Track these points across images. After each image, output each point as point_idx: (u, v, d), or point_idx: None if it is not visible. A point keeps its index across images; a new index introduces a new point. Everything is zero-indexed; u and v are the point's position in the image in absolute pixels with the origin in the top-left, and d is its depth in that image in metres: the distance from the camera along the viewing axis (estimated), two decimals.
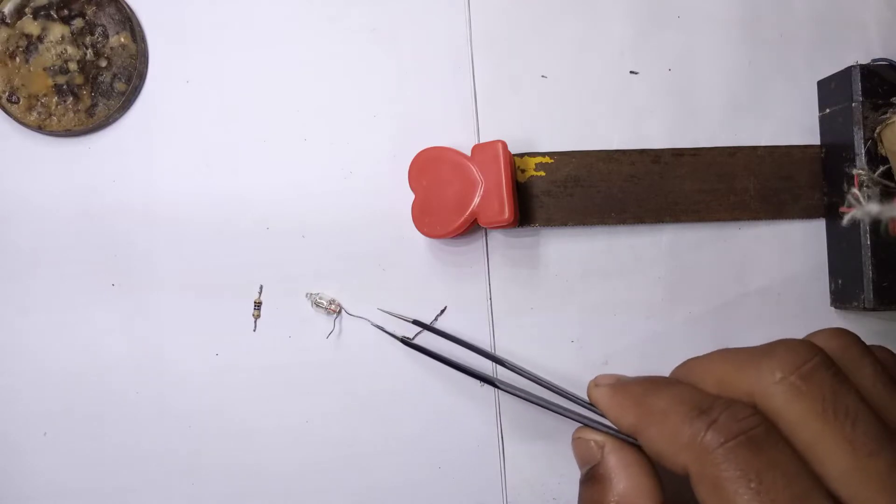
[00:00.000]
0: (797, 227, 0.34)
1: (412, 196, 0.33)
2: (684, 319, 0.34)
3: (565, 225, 0.34)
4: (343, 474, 0.34)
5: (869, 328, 0.34)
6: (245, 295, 0.34)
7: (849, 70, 0.32)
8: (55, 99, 0.34)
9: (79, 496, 0.34)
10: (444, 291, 0.34)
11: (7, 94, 0.33)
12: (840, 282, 0.33)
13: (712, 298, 0.34)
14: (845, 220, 0.31)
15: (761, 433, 0.21)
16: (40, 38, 0.34)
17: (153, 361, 0.34)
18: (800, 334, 0.35)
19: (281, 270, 0.34)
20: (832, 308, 0.34)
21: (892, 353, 0.26)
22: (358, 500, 0.34)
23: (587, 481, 0.27)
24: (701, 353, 0.34)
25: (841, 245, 0.33)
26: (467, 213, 0.32)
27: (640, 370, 0.34)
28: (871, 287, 0.31)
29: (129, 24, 0.34)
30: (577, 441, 0.28)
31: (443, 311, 0.34)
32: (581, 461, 0.27)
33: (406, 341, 0.32)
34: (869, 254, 0.31)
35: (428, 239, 0.34)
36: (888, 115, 0.31)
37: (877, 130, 0.31)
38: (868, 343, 0.33)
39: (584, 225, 0.34)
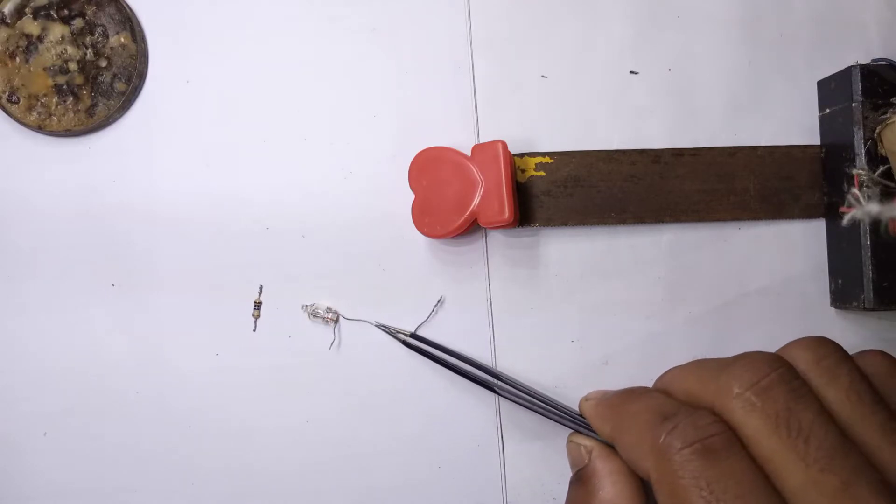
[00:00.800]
0: (797, 227, 0.34)
1: (412, 196, 0.33)
2: (684, 319, 0.34)
3: (565, 225, 0.34)
4: (343, 474, 0.34)
5: (869, 328, 0.34)
6: (245, 295, 0.34)
7: (849, 70, 0.32)
8: (55, 99, 0.34)
9: (79, 496, 0.34)
10: (444, 291, 0.34)
11: (7, 94, 0.33)
12: (840, 282, 0.33)
13: (712, 298, 0.34)
14: (845, 220, 0.31)
15: (720, 442, 0.21)
16: (40, 38, 0.34)
17: (153, 361, 0.34)
18: (800, 334, 0.35)
19: (281, 270, 0.34)
20: (832, 308, 0.34)
21: (884, 356, 0.25)
22: (358, 500, 0.34)
23: (575, 482, 0.27)
24: (700, 354, 0.35)
25: (841, 245, 0.33)
26: (467, 213, 0.32)
27: (640, 370, 0.34)
28: (871, 287, 0.31)
29: (129, 24, 0.34)
30: (569, 444, 0.29)
31: (439, 302, 0.34)
32: (571, 463, 0.28)
33: (408, 343, 0.33)
34: (869, 254, 0.31)
35: (428, 239, 0.34)
36: (888, 115, 0.31)
37: (877, 130, 0.31)
38: (867, 344, 0.33)
39: (584, 225, 0.34)
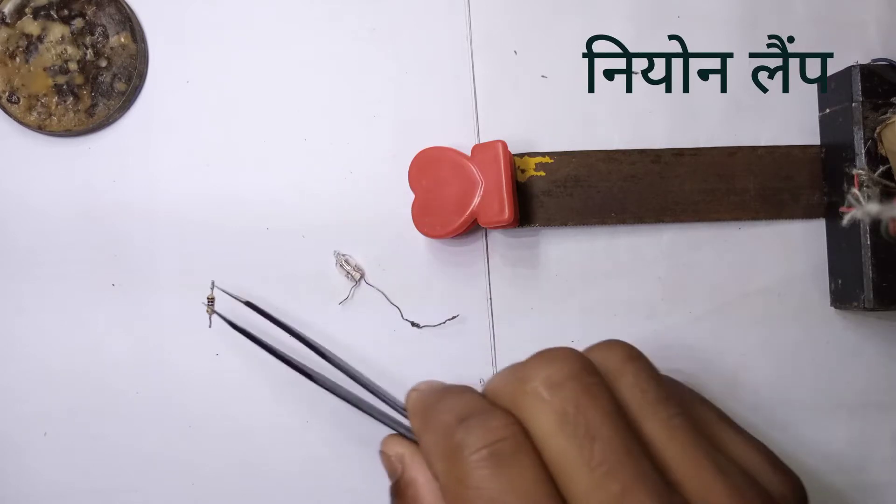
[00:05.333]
0: (797, 227, 0.34)
1: (412, 196, 0.33)
2: (684, 319, 0.34)
3: (565, 225, 0.34)
4: (343, 474, 0.34)
5: (869, 328, 0.34)
6: (245, 295, 0.34)
7: (849, 70, 0.32)
8: (55, 99, 0.34)
9: (79, 496, 0.34)
10: (444, 291, 0.34)
11: (7, 94, 0.33)
12: (840, 282, 0.33)
13: (712, 298, 0.34)
14: (845, 220, 0.31)
15: (508, 447, 0.20)
16: (40, 38, 0.34)
17: (153, 361, 0.34)
18: (800, 334, 0.35)
19: (281, 270, 0.34)
20: (832, 308, 0.34)
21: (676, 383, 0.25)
22: (359, 499, 0.34)
23: (392, 496, 0.25)
24: (700, 354, 0.35)
25: (841, 245, 0.33)
26: (467, 213, 0.32)
27: None
28: (871, 287, 0.31)
29: (129, 24, 0.34)
30: (381, 454, 0.26)
31: (454, 318, 0.34)
32: (388, 475, 0.26)
33: (232, 323, 0.31)
34: (869, 254, 0.31)
35: (428, 239, 0.34)
36: (888, 115, 0.31)
37: (877, 130, 0.31)
38: (867, 344, 0.33)
39: (584, 225, 0.34)
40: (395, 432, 0.27)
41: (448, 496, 0.21)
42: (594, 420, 0.20)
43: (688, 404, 0.24)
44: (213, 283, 0.33)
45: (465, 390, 0.24)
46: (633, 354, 0.23)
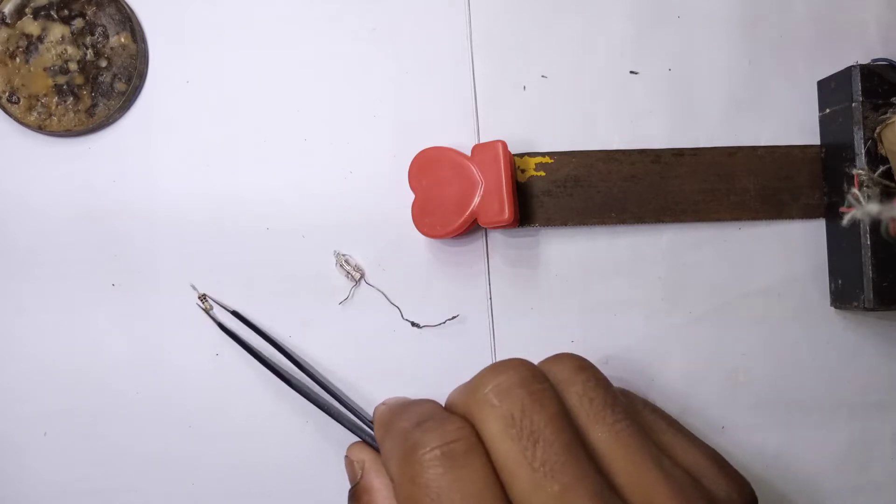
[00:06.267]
0: (797, 227, 0.34)
1: (412, 196, 0.33)
2: (684, 319, 0.34)
3: (565, 225, 0.34)
4: (343, 473, 0.34)
5: (869, 328, 0.34)
6: (245, 295, 0.34)
7: (849, 70, 0.32)
8: (55, 99, 0.34)
9: (79, 496, 0.34)
10: (444, 291, 0.34)
11: (7, 94, 0.33)
12: (840, 282, 0.33)
13: (712, 298, 0.34)
14: (845, 220, 0.31)
15: (459, 448, 0.21)
16: (40, 38, 0.34)
17: (153, 361, 0.34)
18: (800, 334, 0.35)
19: (281, 270, 0.34)
20: (832, 308, 0.34)
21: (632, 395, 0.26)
22: None
23: (349, 499, 0.27)
24: (700, 354, 0.35)
25: (841, 245, 0.33)
26: (467, 213, 0.32)
27: (640, 370, 0.34)
28: (871, 287, 0.31)
29: (129, 24, 0.34)
30: (345, 458, 0.29)
31: (454, 318, 0.34)
32: (349, 479, 0.28)
33: (225, 328, 0.33)
34: (869, 254, 0.31)
35: (428, 239, 0.34)
36: (888, 115, 0.31)
37: (877, 130, 0.31)
38: (867, 344, 0.33)
39: (584, 225, 0.34)
40: (361, 440, 0.29)
41: (400, 496, 0.21)
42: (538, 423, 0.21)
43: (637, 412, 0.25)
44: (192, 286, 0.33)
45: (426, 402, 0.25)
46: (582, 365, 0.24)
